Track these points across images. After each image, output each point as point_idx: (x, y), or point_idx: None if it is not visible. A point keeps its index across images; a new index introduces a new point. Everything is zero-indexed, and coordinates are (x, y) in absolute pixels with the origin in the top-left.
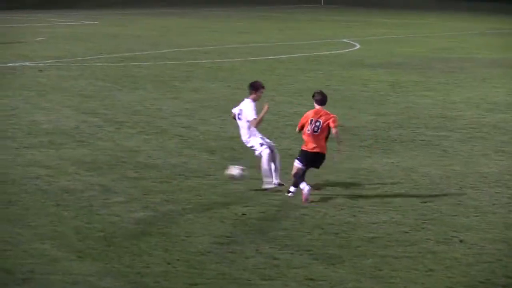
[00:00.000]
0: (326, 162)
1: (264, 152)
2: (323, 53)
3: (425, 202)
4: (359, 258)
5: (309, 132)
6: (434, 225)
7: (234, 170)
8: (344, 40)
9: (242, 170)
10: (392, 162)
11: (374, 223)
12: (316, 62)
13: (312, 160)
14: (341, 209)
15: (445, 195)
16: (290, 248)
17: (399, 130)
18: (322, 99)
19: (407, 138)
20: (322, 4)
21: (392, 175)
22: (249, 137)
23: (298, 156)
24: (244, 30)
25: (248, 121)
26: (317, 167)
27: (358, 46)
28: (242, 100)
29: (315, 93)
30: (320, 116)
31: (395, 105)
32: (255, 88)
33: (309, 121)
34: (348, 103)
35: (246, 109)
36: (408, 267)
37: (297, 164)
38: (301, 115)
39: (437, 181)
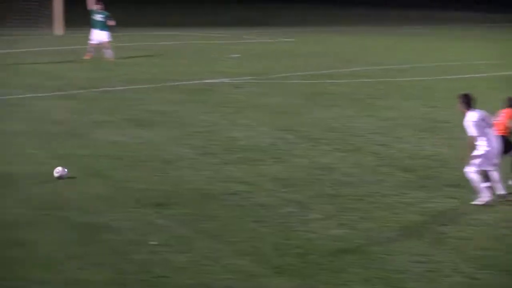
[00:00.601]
0: None
1: None
2: None
3: None
4: None
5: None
6: None
7: (58, 171)
8: None
9: (64, 170)
10: None
11: None
12: None
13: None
14: None
15: None
16: (489, 268)
17: None
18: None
19: None
20: None
21: None
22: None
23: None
24: (440, 49)
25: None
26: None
27: None
28: (441, 118)
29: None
30: None
31: None
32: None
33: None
34: None
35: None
36: None
37: None
38: None
39: None
